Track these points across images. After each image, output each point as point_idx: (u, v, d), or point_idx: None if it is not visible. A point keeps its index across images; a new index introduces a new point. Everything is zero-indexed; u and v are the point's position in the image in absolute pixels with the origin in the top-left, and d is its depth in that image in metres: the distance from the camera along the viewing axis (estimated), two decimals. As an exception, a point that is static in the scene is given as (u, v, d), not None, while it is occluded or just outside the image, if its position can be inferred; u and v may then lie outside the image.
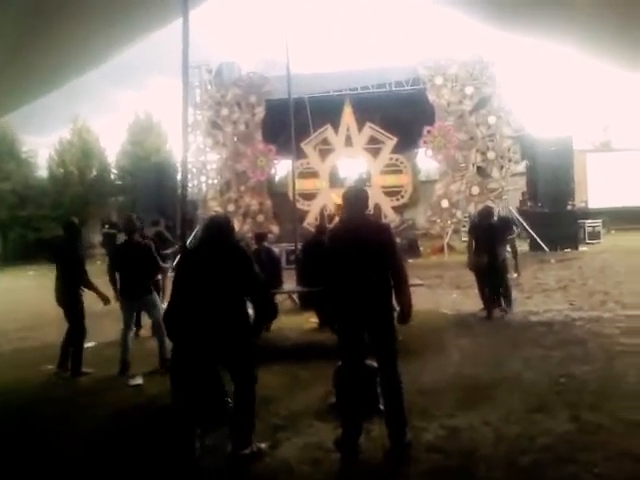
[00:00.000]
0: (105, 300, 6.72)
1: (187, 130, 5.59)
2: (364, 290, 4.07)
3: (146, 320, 7.77)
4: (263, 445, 4.14)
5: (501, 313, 8.39)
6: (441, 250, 17.31)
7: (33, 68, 7.18)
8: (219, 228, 4.28)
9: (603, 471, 3.57)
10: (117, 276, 6.73)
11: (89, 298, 6.87)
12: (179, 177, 19.95)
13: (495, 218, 8.88)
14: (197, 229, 17.16)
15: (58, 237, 7.66)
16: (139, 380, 6.20)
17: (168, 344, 6.26)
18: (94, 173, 28.05)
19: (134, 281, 6.58)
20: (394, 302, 4.21)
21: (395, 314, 4.21)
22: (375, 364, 4.51)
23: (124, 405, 5.54)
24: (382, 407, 4.57)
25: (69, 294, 6.65)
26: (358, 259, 4.08)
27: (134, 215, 7.34)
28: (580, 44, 8.19)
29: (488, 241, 8.25)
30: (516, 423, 4.47)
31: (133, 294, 6.58)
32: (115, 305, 6.93)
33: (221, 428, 4.48)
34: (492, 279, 8.34)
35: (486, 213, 8.71)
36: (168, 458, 4.07)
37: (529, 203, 18.63)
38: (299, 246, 9.61)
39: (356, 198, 4.37)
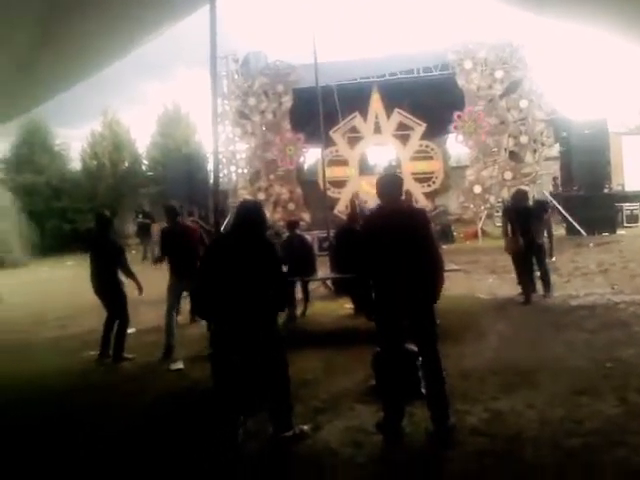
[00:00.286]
0: (140, 289, 6.88)
1: (217, 120, 5.61)
2: (402, 275, 4.02)
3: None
4: (305, 427, 4.14)
5: (541, 297, 8.24)
6: (475, 235, 17.09)
7: (61, 58, 7.26)
8: (249, 214, 4.27)
9: (656, 453, 3.47)
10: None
11: (127, 287, 6.95)
12: (209, 167, 20.16)
13: (530, 201, 8.69)
14: (229, 217, 17.27)
15: (91, 229, 7.81)
16: (180, 365, 6.27)
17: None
18: (126, 165, 28.42)
19: (182, 262, 6.69)
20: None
21: None
22: (415, 348, 4.49)
23: (166, 390, 5.61)
24: (424, 391, 4.55)
25: (109, 283, 6.76)
26: (395, 244, 4.03)
27: (177, 202, 7.48)
28: (612, 26, 7.95)
29: (524, 224, 8.10)
30: (561, 406, 4.38)
31: (182, 275, 6.65)
32: (151, 293, 7.03)
33: (263, 412, 4.52)
34: (529, 262, 8.18)
35: (520, 196, 8.57)
36: (212, 444, 4.09)
37: (560, 188, 18.26)
38: (331, 233, 9.60)
39: (390, 184, 4.33)
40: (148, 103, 62.05)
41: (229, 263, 4.08)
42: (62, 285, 13.58)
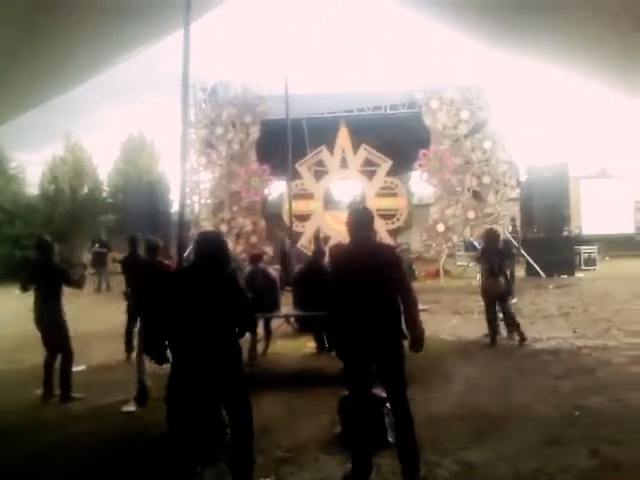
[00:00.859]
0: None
1: (185, 150, 5.43)
2: (372, 316, 3.85)
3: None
4: (268, 480, 3.88)
5: (504, 339, 8.19)
6: (436, 274, 17.14)
7: (21, 80, 6.99)
8: (210, 246, 4.03)
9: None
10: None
11: (77, 319, 6.59)
12: (171, 197, 19.86)
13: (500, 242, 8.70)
14: (190, 249, 16.91)
15: (33, 258, 7.44)
16: (132, 407, 5.89)
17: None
18: (85, 191, 27.72)
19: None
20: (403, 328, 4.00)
21: (405, 342, 3.99)
22: (382, 393, 4.30)
23: (117, 434, 5.24)
24: (391, 439, 4.36)
25: (52, 313, 6.37)
26: (365, 283, 3.86)
27: (138, 234, 7.15)
28: (579, 67, 8.17)
29: (499, 265, 8.08)
30: (533, 458, 4.25)
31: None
32: (102, 327, 6.70)
33: (220, 462, 4.24)
34: (504, 303, 8.15)
35: (495, 236, 8.57)
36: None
37: (519, 229, 18.57)
38: (295, 268, 9.39)
39: (361, 219, 4.16)
40: (110, 128, 61.17)
41: (191, 298, 3.83)
42: (10, 316, 12.93)
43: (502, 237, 8.56)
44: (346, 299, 3.94)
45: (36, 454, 4.80)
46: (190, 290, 3.88)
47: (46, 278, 6.42)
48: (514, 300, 9.45)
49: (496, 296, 8.10)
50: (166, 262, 6.66)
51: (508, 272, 8.30)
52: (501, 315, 8.36)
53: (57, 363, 6.51)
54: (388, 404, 4.37)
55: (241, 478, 3.75)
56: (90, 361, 7.77)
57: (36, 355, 7.19)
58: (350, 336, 3.94)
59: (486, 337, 8.22)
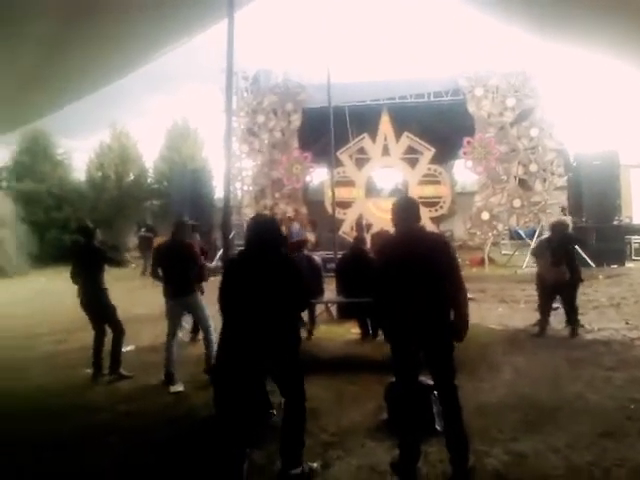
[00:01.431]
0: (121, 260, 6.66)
1: (230, 137, 5.44)
2: (421, 303, 3.78)
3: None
4: (315, 464, 3.88)
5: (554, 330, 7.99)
6: (481, 262, 16.86)
7: (70, 70, 7.11)
8: (265, 229, 4.03)
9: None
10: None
11: (126, 302, 6.70)
12: (214, 184, 20.03)
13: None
14: (232, 235, 17.04)
15: (77, 242, 7.57)
16: (180, 387, 5.98)
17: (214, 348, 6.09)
18: (131, 177, 28.27)
19: (176, 280, 6.32)
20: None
21: None
22: (429, 381, 4.24)
23: (164, 414, 5.32)
24: (439, 428, 4.31)
25: (96, 295, 6.54)
26: (414, 270, 3.80)
27: (187, 219, 7.10)
28: (628, 56, 7.84)
29: (564, 255, 7.92)
30: (586, 450, 4.13)
31: (175, 294, 6.33)
32: (152, 309, 6.79)
33: (267, 444, 4.26)
34: (571, 295, 7.98)
35: (563, 227, 8.41)
36: (215, 476, 3.83)
37: (571, 217, 18.03)
38: (338, 255, 9.36)
39: (407, 208, 4.10)
40: (155, 117, 62.10)
41: (246, 281, 3.85)
42: (60, 297, 13.27)
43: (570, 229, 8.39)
44: (394, 286, 3.89)
45: (86, 432, 4.90)
46: (245, 273, 3.90)
47: (88, 261, 6.59)
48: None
49: (557, 286, 7.92)
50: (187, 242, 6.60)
51: (572, 263, 8.05)
52: (555, 305, 8.18)
53: (107, 343, 6.66)
54: (436, 392, 4.33)
55: (290, 461, 3.75)
56: (138, 342, 7.93)
57: (84, 336, 7.40)
58: (399, 323, 3.89)
59: (534, 327, 8.03)
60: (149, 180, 29.42)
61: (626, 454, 4.04)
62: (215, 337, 6.00)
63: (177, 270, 6.30)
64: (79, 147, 47.46)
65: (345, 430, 4.63)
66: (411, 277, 3.80)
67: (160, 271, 6.48)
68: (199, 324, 6.55)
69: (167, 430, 4.89)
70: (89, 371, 6.65)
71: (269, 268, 3.86)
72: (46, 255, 21.82)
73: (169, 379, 6.13)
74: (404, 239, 4.00)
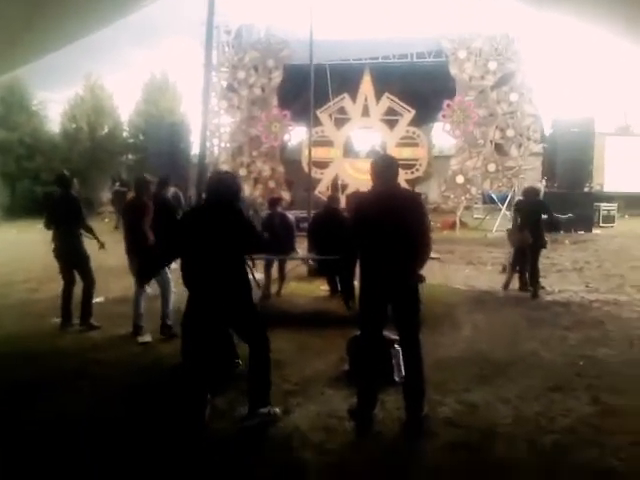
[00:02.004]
0: (101, 245, 6.72)
1: (209, 92, 5.43)
2: (392, 258, 3.89)
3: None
4: (277, 409, 4.03)
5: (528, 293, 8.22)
6: (453, 226, 17.11)
7: (48, 21, 6.94)
8: (221, 185, 4.09)
9: (629, 456, 3.43)
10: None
11: (97, 254, 6.74)
12: (191, 139, 19.79)
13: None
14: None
15: (52, 192, 7.53)
16: (148, 337, 6.11)
17: (171, 307, 6.20)
18: (105, 130, 27.77)
19: (134, 237, 6.33)
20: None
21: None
22: (391, 336, 4.42)
23: (132, 363, 5.45)
24: (397, 379, 4.49)
25: (71, 244, 6.54)
26: (388, 226, 3.89)
27: (147, 175, 7.05)
28: (608, 22, 7.87)
29: (533, 220, 8.15)
30: (535, 401, 4.35)
31: (133, 250, 6.36)
32: (120, 262, 6.86)
33: (229, 392, 4.42)
34: (533, 258, 8.20)
35: (534, 193, 8.69)
36: (177, 421, 3.97)
37: (544, 183, 18.28)
38: (312, 214, 9.45)
39: (386, 166, 4.15)
40: (133, 70, 60.59)
41: (201, 232, 3.92)
42: (31, 248, 13.18)
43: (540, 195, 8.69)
44: (368, 241, 3.98)
45: (56, 378, 5.00)
46: (200, 224, 3.97)
47: (65, 209, 6.57)
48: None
49: (520, 249, 8.19)
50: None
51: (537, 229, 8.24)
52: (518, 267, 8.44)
53: (77, 295, 6.72)
54: (396, 345, 4.51)
55: (257, 401, 3.91)
56: (108, 294, 8.00)
57: (58, 286, 7.44)
58: (370, 277, 4.01)
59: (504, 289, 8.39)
60: (124, 134, 28.93)
61: (572, 406, 4.27)
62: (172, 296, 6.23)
63: (135, 227, 6.31)
64: (56, 99, 46.14)
65: (307, 380, 4.80)
66: (384, 232, 3.89)
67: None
68: (156, 281, 6.57)
69: (135, 377, 5.02)
70: (57, 320, 6.73)
71: (220, 220, 3.91)
72: (17, 207, 21.55)
73: (137, 331, 6.25)
74: (380, 195, 4.06)
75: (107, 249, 6.80)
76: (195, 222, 4.04)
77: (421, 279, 3.97)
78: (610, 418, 4.04)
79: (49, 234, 6.68)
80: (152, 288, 6.91)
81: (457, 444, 3.62)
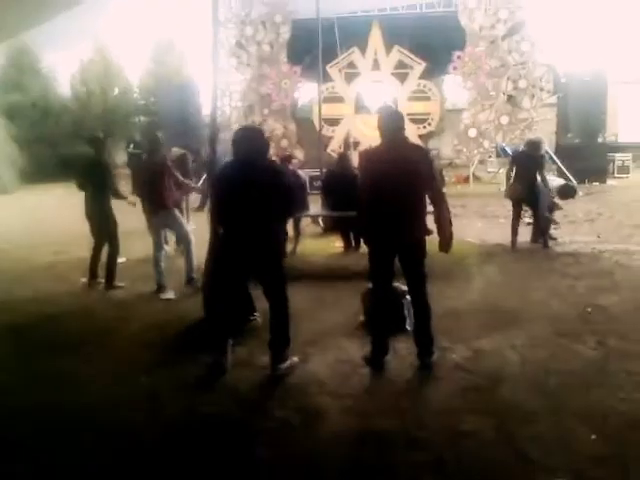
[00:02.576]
0: (132, 204, 6.94)
1: (217, 50, 5.50)
2: (400, 212, 4.04)
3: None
4: (295, 358, 4.27)
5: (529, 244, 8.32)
6: (466, 180, 17.12)
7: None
8: (251, 140, 4.17)
9: (631, 397, 3.63)
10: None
11: (117, 217, 6.94)
12: (201, 100, 19.74)
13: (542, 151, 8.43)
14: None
15: (83, 155, 7.67)
16: (171, 294, 6.37)
17: (194, 262, 6.44)
18: (116, 92, 27.73)
19: (151, 197, 6.57)
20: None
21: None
22: (402, 287, 4.61)
23: (156, 317, 5.70)
24: (408, 327, 4.71)
25: (101, 208, 6.74)
26: (396, 180, 4.00)
27: (159, 134, 7.20)
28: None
29: (528, 173, 8.07)
30: (542, 347, 4.54)
31: (152, 211, 6.63)
32: (141, 223, 7.07)
33: (249, 342, 4.67)
34: (534, 211, 8.25)
35: (532, 145, 8.37)
36: (198, 368, 4.23)
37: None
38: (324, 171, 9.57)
39: (391, 119, 4.24)
40: (139, 28, 59.58)
41: (238, 189, 4.06)
42: (52, 212, 13.55)
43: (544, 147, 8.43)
44: (377, 195, 4.10)
45: (85, 335, 5.28)
46: (233, 182, 4.10)
47: (96, 173, 6.74)
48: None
49: (516, 201, 8.23)
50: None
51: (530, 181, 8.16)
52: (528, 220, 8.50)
53: (102, 254, 6.97)
54: (407, 296, 4.70)
55: (278, 355, 4.15)
56: (130, 255, 8.24)
57: (79, 248, 7.71)
58: (379, 230, 4.16)
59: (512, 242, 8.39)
60: (135, 95, 28.88)
61: (578, 350, 4.45)
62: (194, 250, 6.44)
63: (152, 187, 6.52)
64: (63, 60, 45.84)
65: (323, 331, 5.02)
66: (392, 184, 4.01)
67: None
68: (178, 239, 6.79)
69: (159, 331, 5.27)
70: (84, 280, 7.00)
71: (257, 176, 4.04)
72: (33, 171, 21.77)
73: (160, 289, 6.52)
74: (388, 148, 4.17)
75: (127, 210, 7.01)
76: (231, 179, 4.14)
77: (428, 232, 4.14)
78: (615, 361, 4.22)
79: (66, 198, 6.90)
80: (169, 247, 7.15)
81: (466, 387, 3.84)
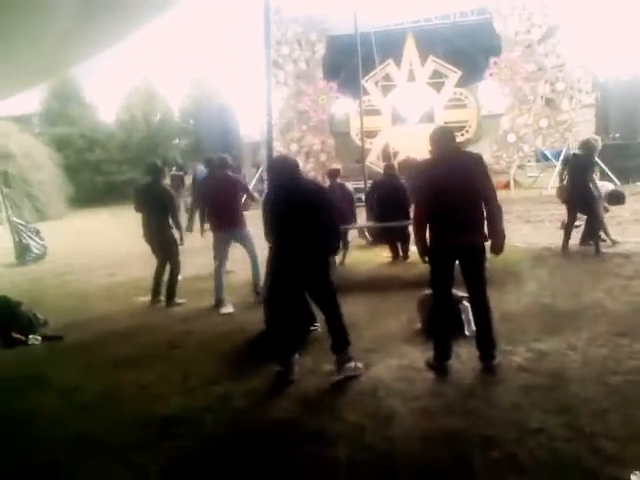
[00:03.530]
0: (182, 240, 7.15)
1: (270, 70, 5.73)
2: (461, 218, 4.18)
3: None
4: (360, 364, 4.41)
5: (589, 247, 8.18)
6: (507, 186, 17.01)
7: (104, 23, 7.33)
8: (285, 166, 4.56)
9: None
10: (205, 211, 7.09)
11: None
12: (239, 118, 20.22)
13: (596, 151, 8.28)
14: (261, 169, 17.44)
15: (142, 182, 7.98)
16: (230, 309, 6.60)
17: (261, 277, 6.64)
18: (158, 117, 28.50)
19: (225, 214, 6.77)
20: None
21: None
22: (458, 293, 4.73)
23: (218, 331, 5.92)
24: (467, 333, 4.81)
25: (161, 230, 7.01)
26: (455, 186, 4.14)
27: (228, 155, 7.51)
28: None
29: (580, 175, 7.97)
30: (602, 347, 4.56)
31: (225, 227, 6.80)
32: (194, 241, 7.33)
33: (314, 352, 4.83)
34: (588, 214, 8.13)
35: (586, 147, 8.22)
36: (269, 378, 4.42)
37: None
38: (368, 183, 9.71)
39: (443, 135, 4.40)
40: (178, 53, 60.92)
41: (286, 213, 4.37)
42: (101, 236, 14.02)
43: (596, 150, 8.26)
44: (437, 203, 4.24)
45: (152, 349, 5.54)
46: (282, 204, 4.41)
47: (156, 198, 7.01)
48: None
49: (571, 204, 8.16)
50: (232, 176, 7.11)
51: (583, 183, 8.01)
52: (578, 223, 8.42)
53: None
54: (465, 302, 4.81)
55: (341, 358, 4.33)
56: (184, 272, 8.51)
57: (133, 269, 8.02)
58: (439, 237, 4.30)
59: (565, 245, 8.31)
60: (175, 119, 29.62)
61: (639, 349, 4.47)
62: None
63: (224, 204, 6.77)
64: (102, 87, 47.30)
65: (382, 338, 5.16)
66: (451, 193, 4.15)
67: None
68: (248, 254, 7.01)
69: (223, 343, 5.49)
70: (144, 299, 7.30)
71: (303, 197, 4.36)
72: (80, 197, 22.55)
73: (219, 303, 6.73)
74: (444, 159, 4.31)
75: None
76: (281, 202, 4.43)
77: (486, 237, 4.25)
78: (677, 358, 4.23)
79: (112, 222, 7.21)
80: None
81: (530, 387, 3.92)
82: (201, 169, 13.72)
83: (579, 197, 8.01)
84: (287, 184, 4.45)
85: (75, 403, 4.38)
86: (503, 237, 4.29)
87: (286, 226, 4.39)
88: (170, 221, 7.01)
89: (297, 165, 4.68)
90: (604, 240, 8.34)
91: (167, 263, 7.13)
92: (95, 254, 11.70)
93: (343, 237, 8.72)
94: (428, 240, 4.35)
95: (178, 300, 7.11)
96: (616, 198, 8.68)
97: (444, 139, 4.34)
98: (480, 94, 25.14)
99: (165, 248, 7.08)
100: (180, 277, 7.85)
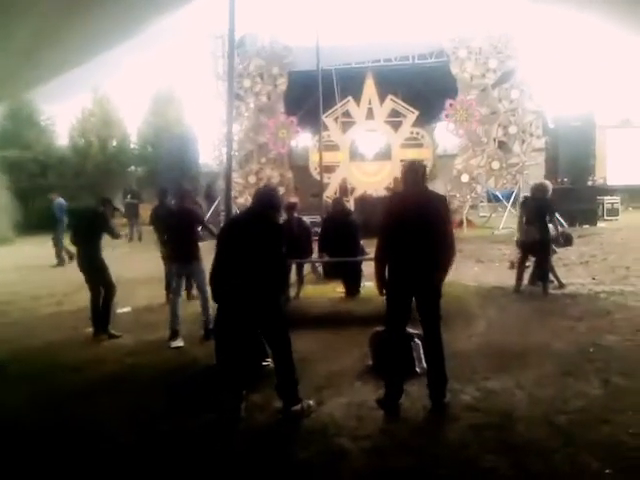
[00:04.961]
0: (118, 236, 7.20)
1: (232, 102, 5.74)
2: (422, 255, 4.23)
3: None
4: (311, 402, 4.37)
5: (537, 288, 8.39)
6: (460, 224, 17.38)
7: (64, 46, 7.27)
8: (266, 198, 4.49)
9: (639, 431, 3.75)
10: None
11: (117, 267, 7.06)
12: (199, 148, 20.14)
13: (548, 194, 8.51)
14: (217, 201, 17.36)
15: (82, 207, 7.90)
16: (180, 342, 6.43)
17: (211, 312, 6.52)
18: (114, 143, 28.14)
19: (183, 246, 6.69)
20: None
21: None
22: (410, 330, 4.76)
23: (167, 366, 5.77)
24: (418, 370, 4.84)
25: (96, 258, 6.91)
26: (419, 225, 4.24)
27: (185, 185, 7.49)
28: (607, 12, 8.05)
29: (539, 217, 8.17)
30: (549, 386, 4.67)
31: (182, 259, 6.71)
32: (142, 272, 7.19)
33: (263, 388, 4.75)
34: (540, 255, 8.30)
35: (542, 188, 8.46)
36: (215, 416, 4.32)
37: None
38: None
39: (413, 171, 4.48)
40: (135, 79, 60.88)
41: (240, 243, 4.29)
42: (50, 263, 13.61)
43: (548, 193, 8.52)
44: (398, 240, 4.30)
45: (99, 384, 5.35)
46: (237, 236, 4.34)
47: (87, 225, 7.02)
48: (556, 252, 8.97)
49: (528, 246, 8.32)
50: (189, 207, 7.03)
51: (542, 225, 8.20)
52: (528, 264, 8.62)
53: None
54: (416, 339, 4.85)
55: (288, 399, 4.26)
56: (134, 304, 8.35)
57: (80, 298, 7.79)
58: (398, 273, 4.34)
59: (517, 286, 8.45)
60: (132, 146, 29.30)
61: (584, 389, 4.59)
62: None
63: (182, 237, 6.70)
64: (61, 112, 46.66)
65: (335, 374, 5.14)
66: (416, 229, 4.24)
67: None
68: (197, 287, 6.91)
69: (172, 377, 5.34)
70: (89, 330, 7.07)
71: (258, 233, 4.29)
72: (31, 222, 21.89)
73: (174, 335, 6.53)
74: (410, 196, 4.43)
75: (127, 260, 7.16)
76: (236, 231, 4.41)
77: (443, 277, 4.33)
78: (620, 398, 4.35)
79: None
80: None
81: (479, 425, 3.95)
82: (60, 201, 13.62)
83: (534, 239, 8.20)
84: (243, 216, 4.41)
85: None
86: (446, 273, 4.35)
87: (236, 259, 4.29)
88: (100, 246, 6.95)
89: (277, 201, 4.59)
90: (552, 281, 8.57)
91: (101, 290, 6.97)
92: (42, 281, 11.35)
93: (298, 271, 8.75)
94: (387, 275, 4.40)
95: (113, 331, 6.91)
96: (565, 240, 8.95)
97: (413, 175, 4.43)
98: (436, 134, 25.91)
99: (99, 274, 6.93)
100: (127, 309, 7.70)
